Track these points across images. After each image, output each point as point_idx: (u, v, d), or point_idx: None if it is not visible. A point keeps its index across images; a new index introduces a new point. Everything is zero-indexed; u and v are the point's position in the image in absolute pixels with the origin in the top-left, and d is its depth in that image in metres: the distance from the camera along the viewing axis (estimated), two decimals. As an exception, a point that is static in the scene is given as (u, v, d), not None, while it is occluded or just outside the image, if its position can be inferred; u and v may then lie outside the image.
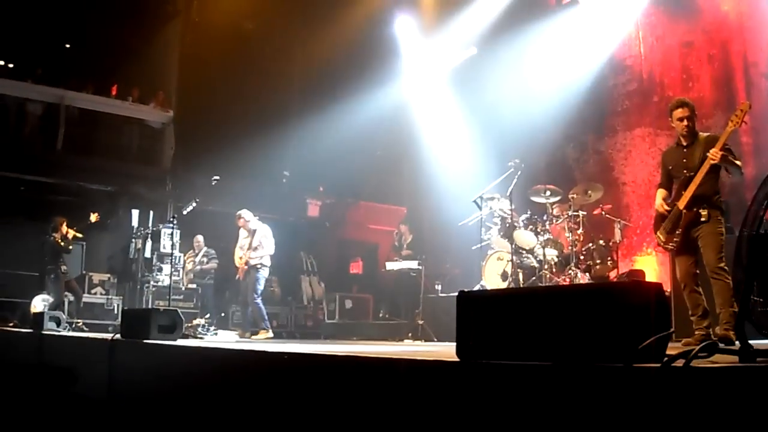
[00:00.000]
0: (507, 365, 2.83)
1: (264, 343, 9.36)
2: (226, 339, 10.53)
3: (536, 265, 9.81)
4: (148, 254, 13.27)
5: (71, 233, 12.06)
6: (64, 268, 11.98)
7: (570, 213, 9.84)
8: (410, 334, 10.58)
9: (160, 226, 13.37)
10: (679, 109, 6.15)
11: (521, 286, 9.34)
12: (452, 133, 13.93)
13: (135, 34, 17.09)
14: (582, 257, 9.77)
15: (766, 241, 2.96)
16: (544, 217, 10.03)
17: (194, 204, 11.44)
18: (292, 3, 16.75)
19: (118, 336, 6.63)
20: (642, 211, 10.93)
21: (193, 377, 5.06)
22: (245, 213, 11.44)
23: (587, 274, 9.65)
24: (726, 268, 5.69)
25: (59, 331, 9.39)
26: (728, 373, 2.29)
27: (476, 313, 3.17)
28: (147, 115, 17.05)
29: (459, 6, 13.70)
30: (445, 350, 5.31)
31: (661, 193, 6.36)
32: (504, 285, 9.65)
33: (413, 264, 12.15)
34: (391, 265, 12.62)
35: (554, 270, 9.69)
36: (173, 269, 11.83)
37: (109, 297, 13.28)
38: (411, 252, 12.77)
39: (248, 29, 17.15)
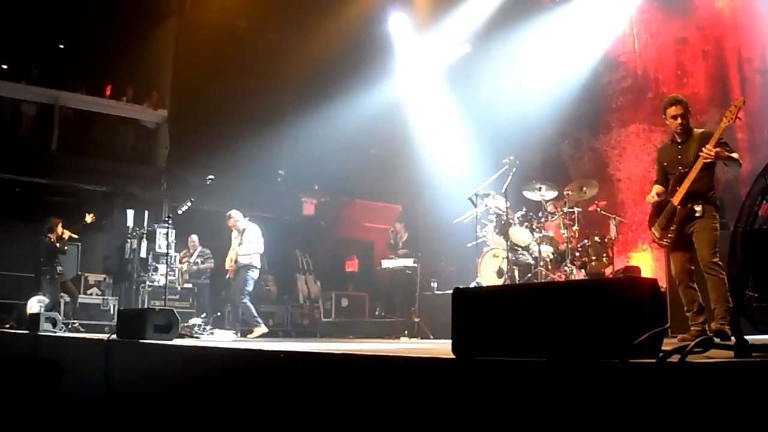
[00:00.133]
0: (503, 362, 2.83)
1: (260, 342, 9.36)
2: (223, 338, 10.52)
3: (532, 261, 9.82)
4: (143, 254, 13.26)
5: (67, 234, 12.03)
6: (59, 269, 11.95)
7: (565, 210, 9.85)
8: (406, 332, 10.59)
9: (156, 226, 13.35)
10: (673, 107, 6.14)
11: (517, 283, 9.36)
12: (447, 130, 13.94)
13: (129, 34, 17.03)
14: (577, 254, 9.78)
15: (760, 237, 2.96)
16: (540, 214, 10.04)
17: (189, 203, 11.41)
18: (285, 2, 16.70)
19: (114, 336, 6.60)
20: (637, 208, 10.95)
21: (190, 377, 5.06)
22: (234, 213, 11.50)
23: (583, 270, 9.67)
24: (720, 263, 5.69)
25: (55, 332, 9.36)
26: (724, 368, 2.29)
27: (471, 310, 3.17)
28: (141, 114, 17.02)
29: (453, 3, 13.69)
30: (441, 347, 5.31)
31: (656, 189, 6.36)
32: (499, 282, 9.64)
33: (409, 262, 12.17)
34: (386, 263, 12.64)
35: (550, 267, 9.71)
36: (169, 269, 11.82)
37: (105, 297, 13.27)
38: (407, 250, 12.78)
39: (242, 28, 17.12)
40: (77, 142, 16.11)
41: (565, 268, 9.54)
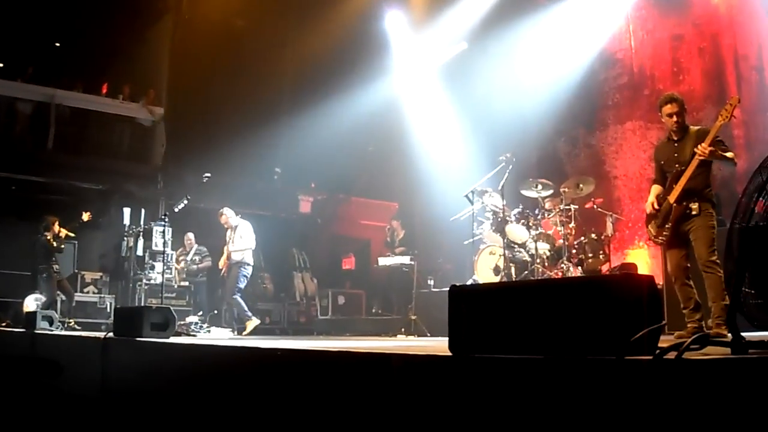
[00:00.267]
0: (499, 359, 2.83)
1: (257, 340, 9.36)
2: (220, 336, 10.52)
3: (528, 259, 9.82)
4: (140, 252, 13.25)
5: (63, 232, 12.02)
6: (56, 267, 11.94)
7: (562, 207, 9.86)
8: (403, 330, 10.59)
9: (152, 224, 13.34)
10: (668, 105, 6.14)
11: (513, 280, 9.37)
12: (443, 128, 13.94)
13: (125, 31, 16.98)
14: (574, 251, 9.79)
15: (757, 234, 2.97)
16: (536, 211, 10.04)
17: (186, 201, 11.43)
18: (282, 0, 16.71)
19: (110, 334, 6.61)
20: (633, 205, 10.96)
21: (187, 374, 5.06)
22: (227, 210, 11.55)
23: (579, 267, 9.67)
24: (718, 261, 5.69)
25: (52, 330, 9.36)
26: (720, 365, 2.29)
27: (468, 307, 3.17)
28: (137, 112, 16.99)
29: (449, 1, 13.68)
30: (438, 345, 5.31)
31: (655, 189, 6.34)
32: (496, 279, 9.64)
33: (405, 259, 12.18)
34: (383, 261, 12.64)
35: (546, 264, 9.71)
36: (165, 267, 11.82)
37: (102, 295, 13.25)
38: (404, 248, 12.78)
39: (239, 26, 17.08)
40: (73, 140, 16.07)
41: (562, 265, 9.53)
